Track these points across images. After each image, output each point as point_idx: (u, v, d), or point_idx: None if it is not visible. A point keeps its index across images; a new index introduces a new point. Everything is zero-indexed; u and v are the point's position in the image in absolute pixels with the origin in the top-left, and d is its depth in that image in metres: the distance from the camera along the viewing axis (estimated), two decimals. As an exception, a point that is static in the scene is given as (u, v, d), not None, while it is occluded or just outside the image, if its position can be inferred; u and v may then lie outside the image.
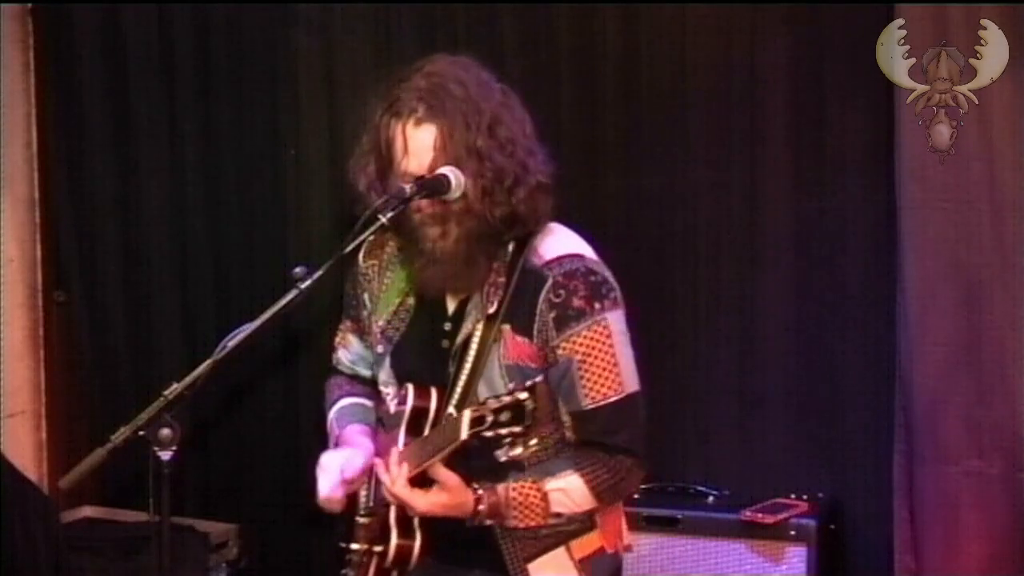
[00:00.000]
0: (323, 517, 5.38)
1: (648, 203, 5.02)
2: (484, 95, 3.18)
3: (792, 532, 4.54)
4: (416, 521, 3.26)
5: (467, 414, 2.96)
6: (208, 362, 3.00)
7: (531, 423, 2.91)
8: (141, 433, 2.94)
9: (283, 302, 3.04)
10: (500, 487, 3.18)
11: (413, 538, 3.28)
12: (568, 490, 3.21)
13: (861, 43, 4.56)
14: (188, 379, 2.98)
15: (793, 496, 4.69)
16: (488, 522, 3.20)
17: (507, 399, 2.92)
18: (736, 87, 4.89)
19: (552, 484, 3.21)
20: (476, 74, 3.23)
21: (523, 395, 2.91)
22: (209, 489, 5.72)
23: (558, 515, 3.23)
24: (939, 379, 4.52)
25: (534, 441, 3.07)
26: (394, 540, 3.28)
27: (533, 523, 3.22)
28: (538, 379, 2.99)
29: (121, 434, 2.95)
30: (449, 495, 3.15)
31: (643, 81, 5.00)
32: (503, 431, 2.92)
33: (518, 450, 3.05)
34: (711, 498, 4.79)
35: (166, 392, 2.96)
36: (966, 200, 4.46)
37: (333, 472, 3.35)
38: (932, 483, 4.55)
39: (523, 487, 3.21)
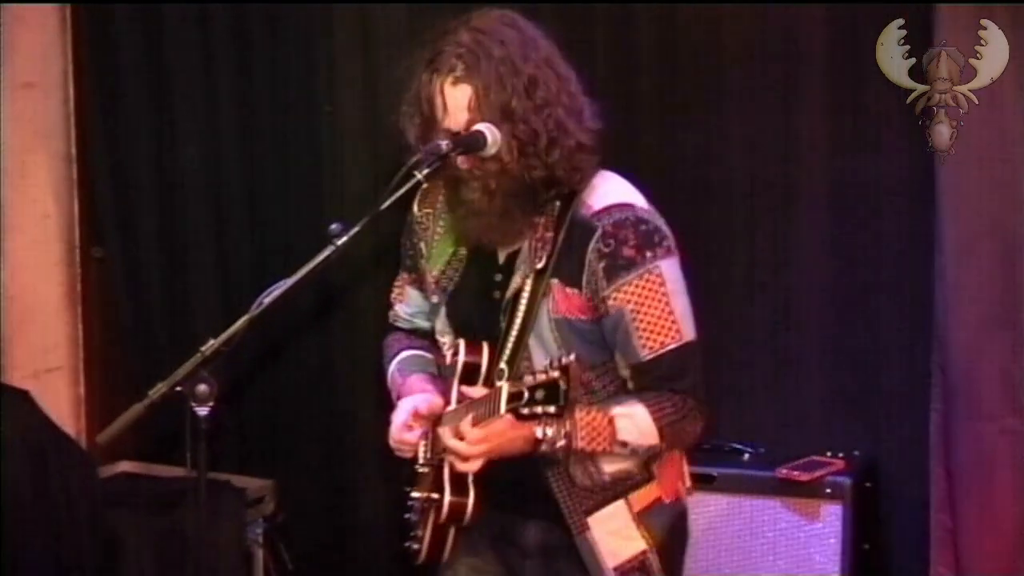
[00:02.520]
0: (359, 473, 5.44)
1: (684, 161, 4.99)
2: (524, 54, 3.16)
3: (827, 490, 4.53)
4: (470, 478, 3.26)
5: (505, 388, 2.94)
6: (244, 318, 3.02)
7: (564, 404, 2.88)
8: (178, 389, 2.97)
9: (319, 259, 3.06)
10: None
11: (466, 495, 3.28)
12: (634, 416, 3.19)
13: (899, -1, 4.54)
14: (224, 335, 3.00)
15: (829, 454, 4.68)
16: (559, 444, 3.11)
17: (542, 377, 2.89)
18: (772, 44, 4.85)
19: (618, 410, 3.19)
20: (520, 31, 3.21)
21: (556, 373, 2.87)
22: (246, 445, 5.74)
23: (624, 444, 3.20)
24: (976, 336, 4.51)
25: (568, 425, 3.08)
26: (447, 497, 3.28)
27: (599, 448, 3.19)
28: (571, 358, 2.90)
29: (158, 390, 2.98)
30: (504, 426, 3.08)
31: (679, 38, 4.97)
32: (538, 409, 2.89)
33: (551, 431, 3.04)
34: (746, 455, 4.78)
35: (203, 348, 3.00)
36: (1003, 158, 4.43)
37: (407, 411, 3.36)
38: (968, 441, 4.54)
39: (590, 411, 3.19)
